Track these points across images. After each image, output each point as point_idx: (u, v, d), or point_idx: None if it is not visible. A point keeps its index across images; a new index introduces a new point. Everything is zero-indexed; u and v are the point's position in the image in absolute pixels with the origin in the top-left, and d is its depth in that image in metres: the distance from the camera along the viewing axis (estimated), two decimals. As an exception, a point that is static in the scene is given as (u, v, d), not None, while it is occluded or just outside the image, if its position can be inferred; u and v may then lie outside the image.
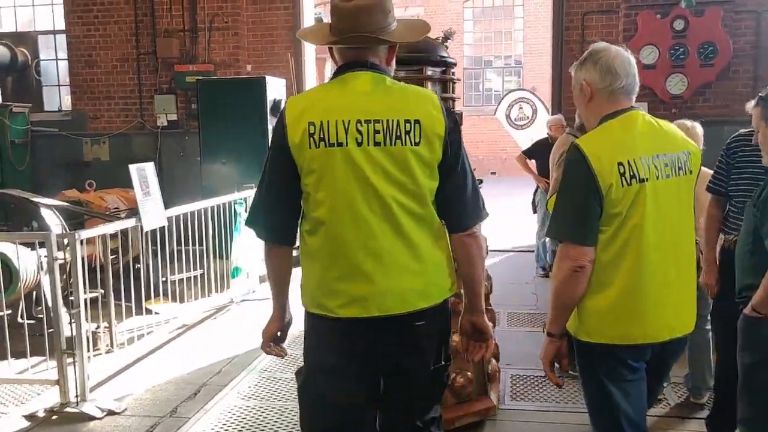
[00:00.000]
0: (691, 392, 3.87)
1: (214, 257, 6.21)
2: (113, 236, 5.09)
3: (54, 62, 10.26)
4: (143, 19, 9.15)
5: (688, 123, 3.66)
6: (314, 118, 1.93)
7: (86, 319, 4.17)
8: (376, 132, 1.92)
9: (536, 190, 7.52)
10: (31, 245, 4.76)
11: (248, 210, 2.18)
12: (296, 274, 2.11)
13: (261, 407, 3.99)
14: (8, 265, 4.66)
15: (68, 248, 4.03)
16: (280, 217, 2.06)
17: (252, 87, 7.55)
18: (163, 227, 5.27)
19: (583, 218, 2.07)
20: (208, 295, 6.10)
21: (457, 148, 2.01)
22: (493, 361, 3.83)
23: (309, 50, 9.32)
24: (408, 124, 1.93)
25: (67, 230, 5.32)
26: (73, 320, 3.98)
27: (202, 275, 6.10)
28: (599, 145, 2.10)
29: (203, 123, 7.70)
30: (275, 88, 7.73)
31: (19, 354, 4.34)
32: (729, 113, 7.88)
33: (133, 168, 4.91)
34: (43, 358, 4.23)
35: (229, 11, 8.92)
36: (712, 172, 3.40)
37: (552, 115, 8.26)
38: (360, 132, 1.92)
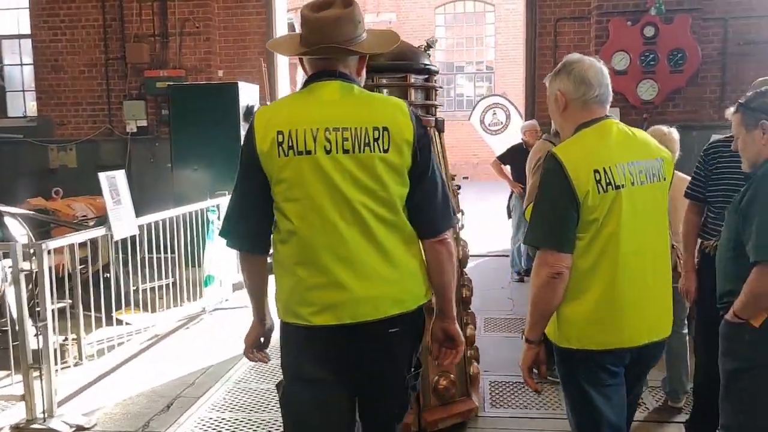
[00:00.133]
0: (669, 396, 3.89)
1: (186, 265, 6.09)
2: (82, 245, 4.95)
3: (19, 67, 10.03)
4: (112, 23, 8.98)
5: (665, 128, 3.70)
6: (282, 127, 1.94)
7: (53, 331, 4.03)
8: (345, 139, 1.93)
9: (511, 195, 7.54)
10: (-5, 255, 4.60)
11: (222, 221, 2.14)
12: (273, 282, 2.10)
13: (236, 419, 3.90)
14: (-29, 277, 4.51)
15: (35, 258, 3.90)
16: (251, 226, 2.07)
17: (225, 93, 7.45)
18: (134, 235, 5.14)
19: (560, 225, 2.10)
20: (180, 305, 5.97)
21: (426, 154, 2.02)
22: (475, 363, 3.85)
23: (282, 56, 9.24)
24: (376, 132, 1.94)
25: (34, 240, 5.17)
26: (39, 332, 3.86)
27: (173, 284, 5.98)
28: (576, 153, 2.13)
29: (174, 129, 7.57)
30: (248, 94, 7.64)
31: (-18, 369, 4.19)
32: (698, 118, 8.03)
33: (102, 176, 4.79)
34: (8, 372, 4.08)
35: (200, 16, 8.80)
36: (688, 177, 3.43)
37: (526, 120, 8.30)
38: (328, 140, 1.93)
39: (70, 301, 4.90)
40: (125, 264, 5.28)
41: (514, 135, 9.84)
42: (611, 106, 2.29)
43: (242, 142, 2.06)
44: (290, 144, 1.93)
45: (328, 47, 1.98)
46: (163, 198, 7.51)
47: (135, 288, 5.47)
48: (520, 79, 17.18)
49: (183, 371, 4.67)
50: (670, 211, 3.54)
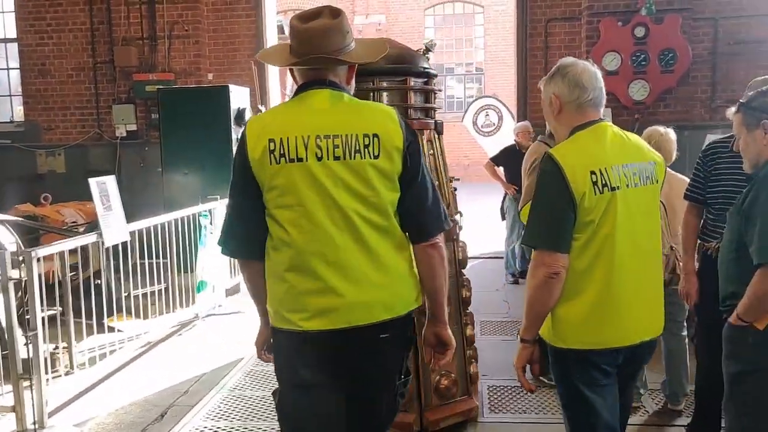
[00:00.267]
0: (668, 399, 3.87)
1: (179, 271, 6.01)
2: (72, 251, 4.88)
3: (5, 71, 9.93)
4: (99, 27, 8.91)
5: (662, 129, 3.69)
6: (274, 135, 1.98)
7: (44, 340, 3.96)
8: (336, 146, 1.97)
9: (505, 197, 7.51)
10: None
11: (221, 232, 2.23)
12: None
13: (232, 428, 3.84)
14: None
15: (23, 266, 3.83)
16: (246, 233, 2.09)
17: (215, 96, 7.38)
18: (125, 241, 5.07)
19: (557, 226, 2.11)
20: (173, 311, 5.90)
21: (416, 160, 2.06)
22: (474, 362, 3.85)
23: (272, 59, 9.18)
24: (367, 138, 1.98)
25: (22, 247, 5.08)
26: (29, 341, 3.79)
27: (165, 290, 5.90)
28: (572, 155, 2.15)
29: (165, 133, 7.49)
30: (239, 97, 7.57)
31: (-29, 379, 4.10)
32: (689, 118, 8.04)
33: (93, 182, 4.73)
34: (-2, 383, 4.00)
35: (189, 19, 8.74)
36: (686, 179, 3.41)
37: (518, 122, 8.29)
38: (320, 147, 1.96)
39: (60, 308, 4.82)
40: (116, 270, 5.21)
41: (506, 136, 9.82)
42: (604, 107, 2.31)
43: (235, 151, 2.09)
44: (282, 152, 1.96)
45: (318, 58, 2.02)
46: (153, 203, 7.44)
47: (127, 294, 5.40)
48: (509, 80, 17.22)
49: (176, 379, 4.61)
50: (669, 214, 3.55)
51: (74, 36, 8.96)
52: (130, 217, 5.24)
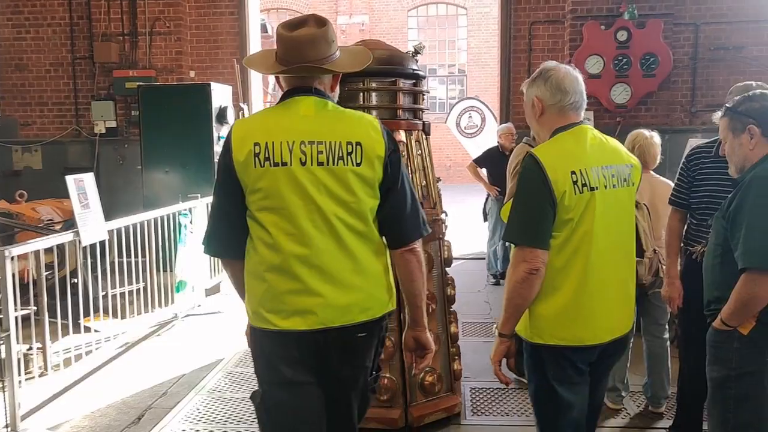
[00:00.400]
0: (650, 401, 3.87)
1: (157, 270, 5.92)
2: (48, 250, 4.77)
3: (-19, 66, 9.73)
4: (79, 22, 8.77)
5: (646, 133, 3.71)
6: (259, 139, 2.02)
7: (17, 340, 3.87)
8: (320, 153, 2.02)
9: (487, 199, 7.51)
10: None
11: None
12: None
13: (211, 431, 3.77)
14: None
15: (-2, 265, 3.73)
16: (229, 233, 2.14)
17: (197, 94, 7.27)
18: (103, 240, 4.98)
19: (538, 223, 2.16)
20: (151, 311, 5.80)
21: (396, 168, 2.12)
22: (457, 359, 3.86)
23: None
24: (350, 146, 2.04)
25: (-4, 245, 4.97)
26: (2, 342, 3.70)
27: (144, 289, 5.81)
28: (553, 155, 2.19)
29: (145, 130, 7.37)
30: (221, 95, 7.48)
31: (-59, 381, 3.99)
32: (669, 122, 8.12)
33: (70, 180, 4.63)
34: (-30, 384, 3.90)
35: (171, 15, 8.62)
36: (670, 182, 3.41)
37: (501, 123, 8.30)
38: (304, 152, 2.02)
39: (34, 308, 4.71)
40: (94, 269, 5.11)
41: (489, 138, 9.84)
42: (586, 110, 2.36)
43: (219, 153, 2.13)
44: (267, 155, 2.01)
45: (303, 66, 2.07)
46: (132, 201, 7.35)
47: (104, 294, 5.29)
48: (491, 82, 17.29)
49: (154, 380, 4.53)
50: (653, 217, 3.56)
51: (53, 30, 8.82)
52: (109, 216, 5.15)
